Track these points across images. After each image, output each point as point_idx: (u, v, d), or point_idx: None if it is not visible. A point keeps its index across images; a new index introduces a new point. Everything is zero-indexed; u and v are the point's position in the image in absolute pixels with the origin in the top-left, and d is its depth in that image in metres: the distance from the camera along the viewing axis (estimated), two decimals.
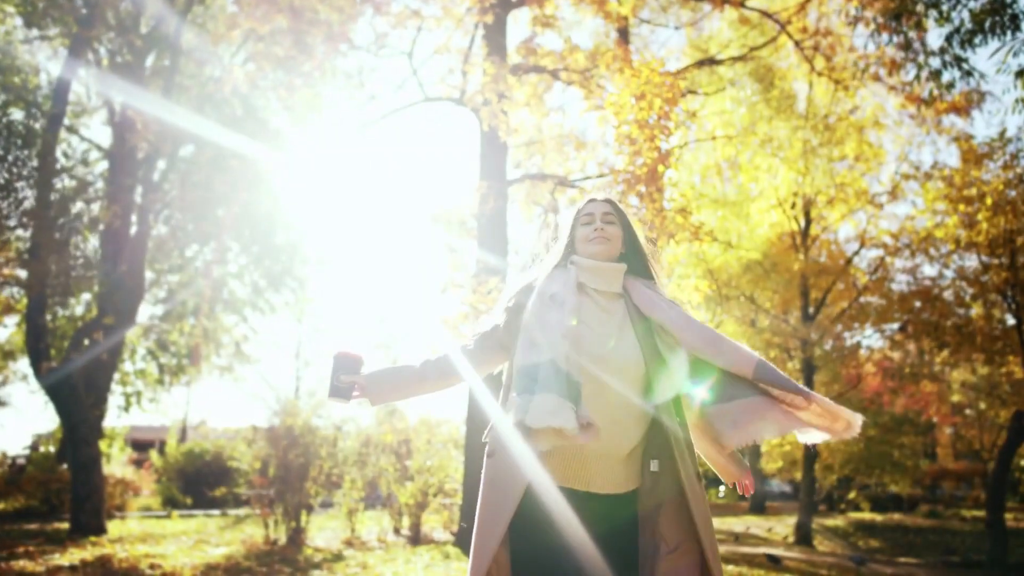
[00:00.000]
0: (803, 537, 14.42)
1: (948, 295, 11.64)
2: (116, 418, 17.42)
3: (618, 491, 1.98)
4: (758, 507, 23.72)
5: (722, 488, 32.25)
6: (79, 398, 9.66)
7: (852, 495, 23.82)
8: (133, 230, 11.62)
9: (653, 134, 6.24)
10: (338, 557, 7.71)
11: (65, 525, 10.16)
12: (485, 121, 7.07)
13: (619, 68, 7.38)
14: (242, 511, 13.68)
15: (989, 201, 9.47)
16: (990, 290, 10.52)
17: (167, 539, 9.12)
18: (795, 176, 11.47)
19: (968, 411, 24.88)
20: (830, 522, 19.34)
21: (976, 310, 11.02)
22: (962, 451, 29.68)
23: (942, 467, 28.54)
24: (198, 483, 16.37)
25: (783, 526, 17.53)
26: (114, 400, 16.56)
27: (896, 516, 21.35)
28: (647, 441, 2.00)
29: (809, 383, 14.13)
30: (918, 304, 11.63)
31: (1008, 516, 20.92)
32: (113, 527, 10.40)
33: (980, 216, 9.53)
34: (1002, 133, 9.73)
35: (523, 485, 1.92)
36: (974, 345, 10.43)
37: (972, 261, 11.33)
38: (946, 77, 4.54)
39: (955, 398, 23.60)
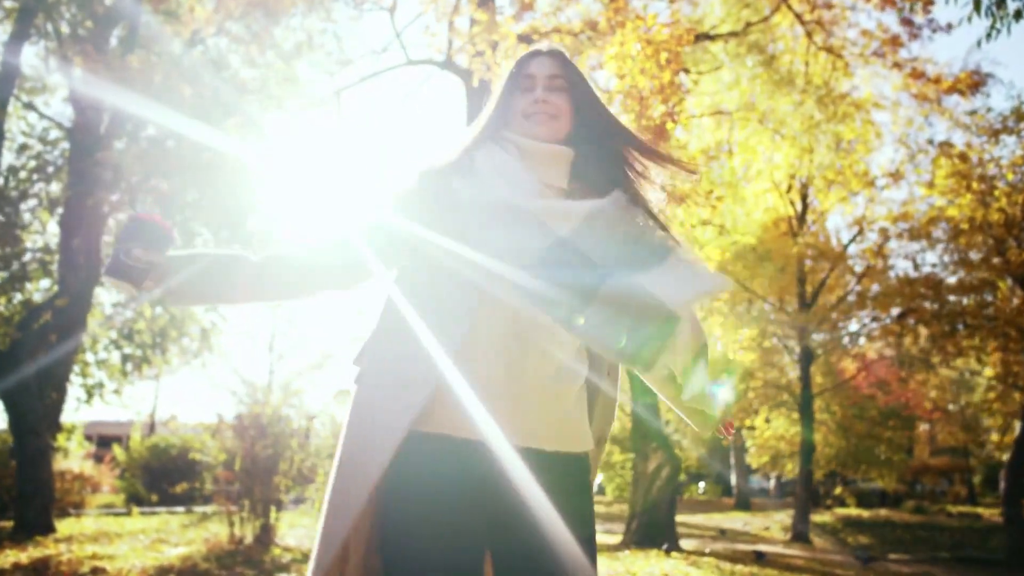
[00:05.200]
0: (799, 534, 13.96)
1: (952, 281, 11.24)
2: (75, 411, 16.57)
3: (570, 449, 1.42)
4: (743, 504, 23.39)
5: (702, 484, 31.93)
6: (26, 385, 8.87)
7: (838, 491, 23.55)
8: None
9: (662, 85, 5.64)
10: (308, 557, 7.03)
11: (11, 523, 9.35)
12: (476, 75, 6.42)
13: (620, 22, 6.78)
14: (209, 508, 12.95)
15: (1010, 176, 9.05)
16: (1002, 272, 10.09)
17: (123, 538, 8.37)
18: (797, 154, 10.97)
19: (952, 406, 24.77)
20: (818, 518, 18.97)
21: (1002, 290, 10.59)
22: (942, 447, 29.64)
23: (924, 463, 28.44)
24: (164, 479, 15.59)
25: (772, 522, 17.12)
26: (75, 392, 15.71)
27: (883, 512, 21.08)
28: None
29: (806, 374, 13.69)
30: (921, 291, 11.20)
31: (995, 511, 20.78)
32: (65, 525, 9.62)
33: (997, 193, 9.10)
34: (1016, 108, 9.34)
35: (401, 425, 1.29)
36: (995, 330, 9.99)
37: (980, 244, 10.92)
38: (1012, 6, 3.98)
39: (932, 394, 23.47)
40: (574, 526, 1.35)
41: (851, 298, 13.35)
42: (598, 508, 1.64)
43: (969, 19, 4.26)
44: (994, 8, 4.08)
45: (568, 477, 1.40)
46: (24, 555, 6.43)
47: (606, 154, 1.53)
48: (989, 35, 4.07)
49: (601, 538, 9.57)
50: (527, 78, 1.53)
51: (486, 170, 1.44)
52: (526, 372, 1.36)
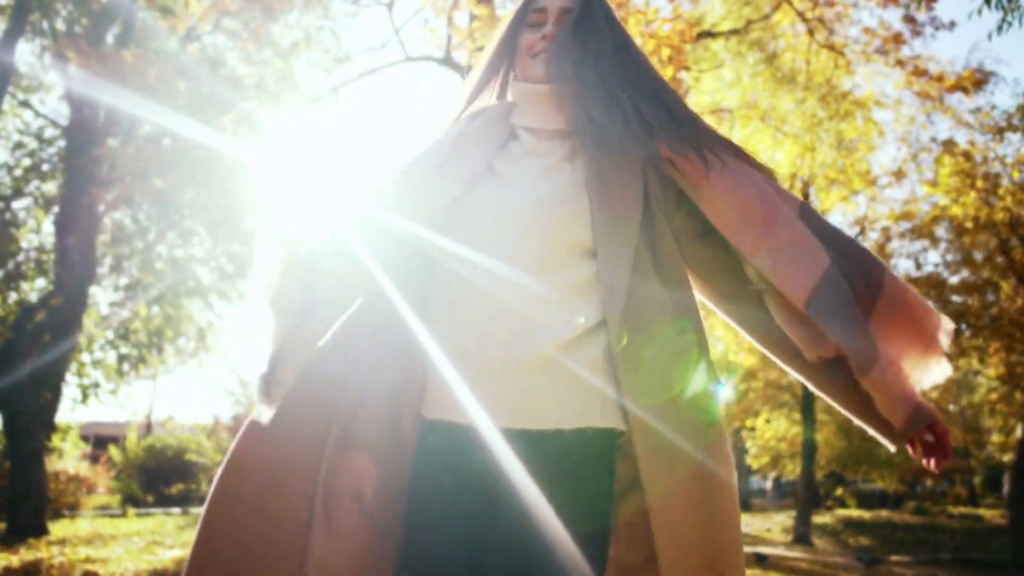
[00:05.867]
0: (801, 536, 13.86)
1: (955, 280, 11.19)
2: (71, 411, 16.48)
3: (543, 426, 1.18)
4: (743, 505, 23.32)
5: None
6: (20, 385, 8.76)
7: (839, 492, 23.46)
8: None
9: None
10: None
11: (3, 526, 9.24)
12: None
13: (622, 18, 6.69)
14: None
15: (1015, 174, 8.99)
16: (1006, 272, 10.02)
17: (117, 540, 8.26)
18: (799, 153, 10.88)
19: (952, 406, 24.71)
20: (819, 519, 18.88)
21: (1005, 289, 10.53)
22: None
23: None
24: (160, 480, 15.50)
25: (772, 524, 17.03)
26: (70, 393, 15.60)
27: (884, 513, 20.98)
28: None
29: None
30: (924, 290, 11.14)
31: (996, 512, 20.68)
32: (59, 527, 9.51)
33: (1001, 192, 9.04)
34: (1021, 105, 9.29)
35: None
36: (998, 330, 9.91)
37: (983, 243, 10.88)
38: None
39: (934, 394, 23.40)
40: (565, 503, 1.15)
41: None
42: None
43: (979, 12, 4.16)
44: (1005, 1, 3.98)
45: (545, 455, 1.17)
46: (16, 558, 6.32)
47: (610, 91, 1.28)
48: (1000, 28, 3.98)
49: None
50: (537, 13, 1.36)
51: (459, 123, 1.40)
52: (480, 344, 1.21)
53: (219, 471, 1.22)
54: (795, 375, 1.35)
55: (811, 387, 1.34)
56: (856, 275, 1.26)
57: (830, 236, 1.28)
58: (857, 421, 1.31)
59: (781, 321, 1.29)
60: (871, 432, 1.31)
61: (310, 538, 1.18)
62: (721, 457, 1.26)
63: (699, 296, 1.36)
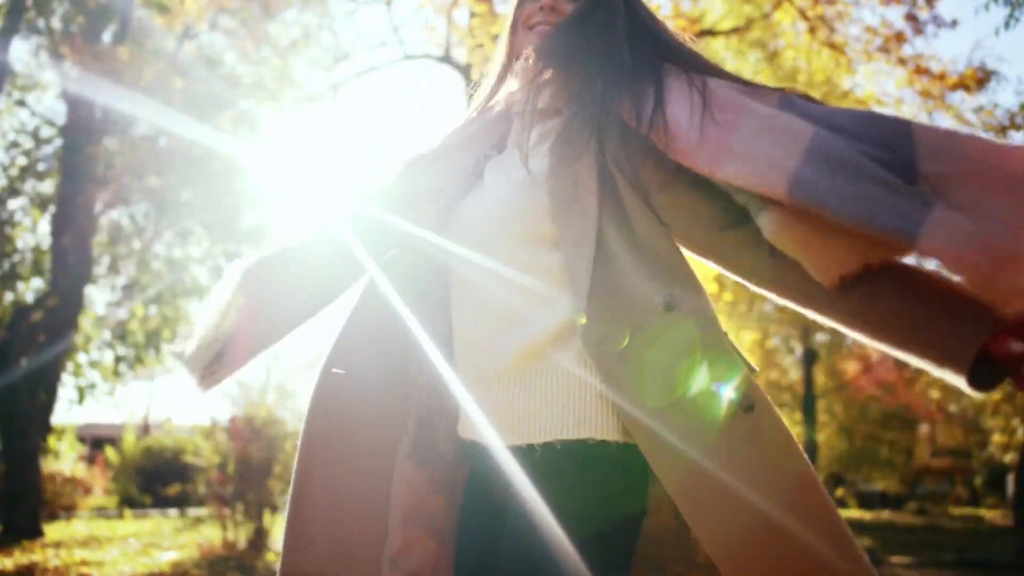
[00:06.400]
0: None
1: None
2: (67, 412, 16.44)
3: (516, 441, 1.09)
4: None
5: None
6: (15, 386, 8.69)
7: (840, 492, 23.44)
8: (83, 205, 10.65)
9: None
10: None
11: None
12: (476, 68, 6.26)
13: None
14: (203, 511, 12.77)
15: None
16: None
17: (113, 543, 8.19)
18: None
19: (953, 407, 24.69)
20: None
21: None
22: (942, 448, 29.57)
23: (925, 464, 28.35)
24: (157, 481, 15.45)
25: None
26: (67, 394, 15.54)
27: (885, 513, 20.96)
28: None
29: (809, 375, 13.55)
30: None
31: (997, 513, 20.67)
32: (55, 529, 9.44)
33: None
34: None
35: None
36: None
37: None
38: None
39: (936, 395, 23.37)
40: (555, 516, 1.02)
41: None
42: None
43: (987, 7, 4.10)
44: None
45: (525, 471, 1.06)
46: (10, 561, 6.25)
47: (602, 66, 1.14)
48: (1008, 24, 3.92)
49: None
50: None
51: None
52: (465, 353, 1.19)
53: (292, 482, 1.26)
54: (824, 320, 1.06)
55: (849, 331, 1.03)
56: (866, 143, 0.94)
57: (821, 114, 1.00)
58: (926, 365, 0.94)
59: (792, 247, 0.99)
60: (946, 378, 0.91)
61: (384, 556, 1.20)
62: (750, 423, 1.04)
63: (698, 257, 1.18)
